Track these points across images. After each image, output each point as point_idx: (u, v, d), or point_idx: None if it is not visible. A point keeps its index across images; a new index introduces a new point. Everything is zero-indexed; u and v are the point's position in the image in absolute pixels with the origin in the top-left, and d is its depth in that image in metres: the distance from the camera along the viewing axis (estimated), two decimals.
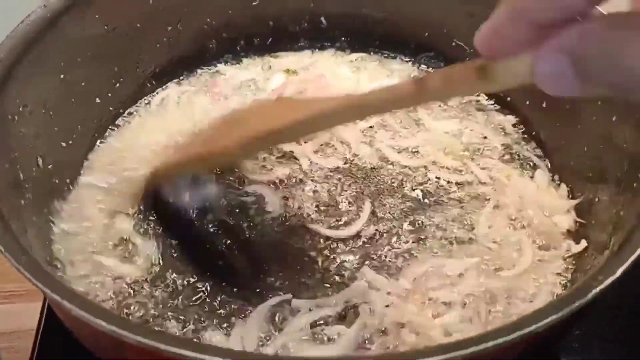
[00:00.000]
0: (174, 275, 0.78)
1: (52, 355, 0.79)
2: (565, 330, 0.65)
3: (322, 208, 0.85)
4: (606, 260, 0.57)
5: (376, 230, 0.83)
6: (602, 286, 0.52)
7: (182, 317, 0.74)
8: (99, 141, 0.93)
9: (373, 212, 0.84)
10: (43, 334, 0.82)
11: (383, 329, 0.73)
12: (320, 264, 0.80)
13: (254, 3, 1.02)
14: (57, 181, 0.84)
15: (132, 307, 0.75)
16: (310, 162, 0.90)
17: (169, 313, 0.74)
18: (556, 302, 0.52)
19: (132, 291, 0.76)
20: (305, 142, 0.92)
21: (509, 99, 0.98)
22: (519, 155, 0.93)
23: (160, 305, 0.75)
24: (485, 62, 0.45)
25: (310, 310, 0.75)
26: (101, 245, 0.81)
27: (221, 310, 0.75)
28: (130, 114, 0.98)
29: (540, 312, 0.50)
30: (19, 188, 0.74)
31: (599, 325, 0.81)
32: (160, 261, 0.79)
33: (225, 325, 0.73)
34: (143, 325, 0.62)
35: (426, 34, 1.04)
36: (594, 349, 0.80)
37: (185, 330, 0.72)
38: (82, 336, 0.65)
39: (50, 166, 0.81)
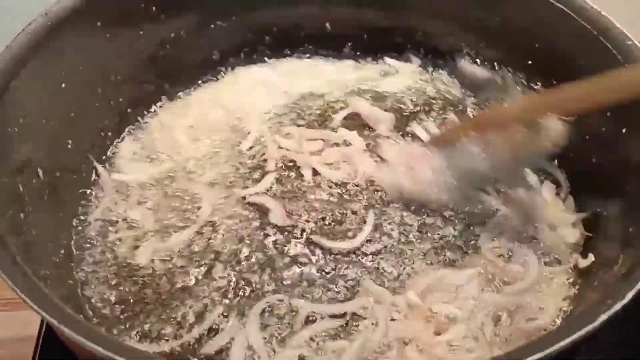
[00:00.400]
0: None
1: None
2: (572, 352, 0.64)
3: (326, 220, 0.84)
4: (615, 282, 0.55)
5: (380, 242, 0.82)
6: (610, 311, 0.50)
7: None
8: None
9: (377, 225, 0.83)
10: (44, 342, 0.82)
11: (386, 344, 0.72)
12: (321, 276, 0.79)
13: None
14: (60, 192, 0.83)
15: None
16: (315, 174, 0.89)
17: None
18: (563, 329, 0.50)
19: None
20: (313, 155, 0.91)
21: None
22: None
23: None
24: None
25: (309, 313, 0.74)
26: None
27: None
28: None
29: (545, 340, 0.49)
30: (19, 201, 0.73)
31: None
32: None
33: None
34: (137, 350, 0.61)
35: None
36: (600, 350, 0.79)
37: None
38: (79, 353, 0.64)
39: (51, 177, 0.80)
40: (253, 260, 0.80)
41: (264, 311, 0.75)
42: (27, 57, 0.77)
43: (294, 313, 0.75)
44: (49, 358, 0.81)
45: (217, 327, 0.74)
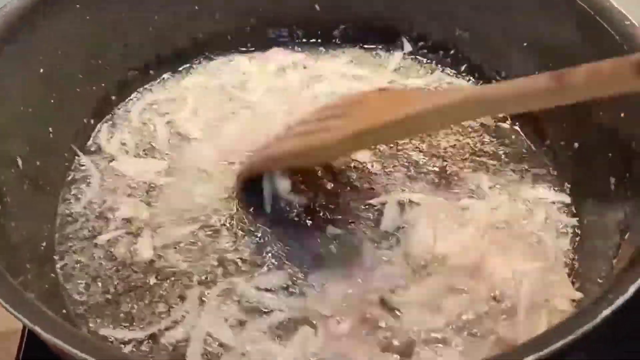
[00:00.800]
0: None
1: (37, 357, 0.77)
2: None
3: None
4: (616, 276, 0.53)
5: None
6: (612, 306, 0.48)
7: None
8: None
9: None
10: (29, 335, 0.80)
11: None
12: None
13: None
14: (40, 182, 0.80)
15: None
16: None
17: None
18: (563, 326, 0.48)
19: None
20: None
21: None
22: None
23: None
24: None
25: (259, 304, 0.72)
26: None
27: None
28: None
29: (545, 338, 0.47)
30: None
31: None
32: None
33: None
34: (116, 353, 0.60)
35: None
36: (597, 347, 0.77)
37: None
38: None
39: (31, 167, 0.78)
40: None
41: (224, 298, 0.73)
42: (2, 41, 0.75)
43: (240, 292, 0.73)
44: (34, 352, 0.79)
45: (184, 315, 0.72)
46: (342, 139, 0.66)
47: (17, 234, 0.70)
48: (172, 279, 0.75)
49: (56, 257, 0.77)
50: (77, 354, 0.49)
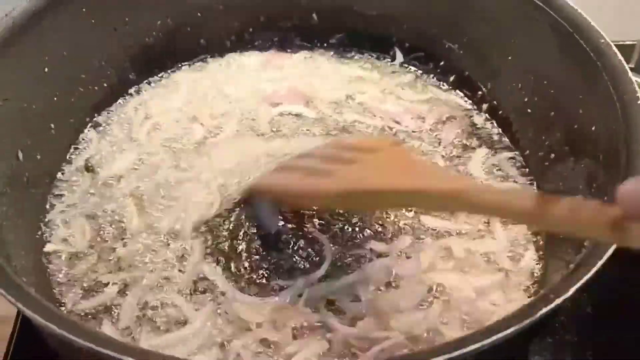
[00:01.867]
0: None
1: (31, 342, 0.79)
2: (525, 339, 0.64)
3: None
4: (562, 278, 0.56)
5: None
6: (551, 306, 0.51)
7: None
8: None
9: None
10: (23, 321, 0.83)
11: None
12: None
13: None
14: (39, 173, 0.85)
15: None
16: None
17: None
18: (504, 321, 0.51)
19: None
20: None
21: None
22: None
23: None
24: (622, 216, 0.45)
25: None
26: None
27: None
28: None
29: (484, 333, 0.50)
30: None
31: (567, 328, 0.81)
32: None
33: None
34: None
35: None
36: (564, 350, 0.80)
37: None
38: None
39: (30, 159, 0.82)
40: None
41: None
42: (10, 42, 0.79)
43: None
44: (28, 335, 0.81)
45: None
46: (341, 191, 0.63)
47: (9, 226, 0.74)
48: None
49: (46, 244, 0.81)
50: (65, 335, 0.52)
